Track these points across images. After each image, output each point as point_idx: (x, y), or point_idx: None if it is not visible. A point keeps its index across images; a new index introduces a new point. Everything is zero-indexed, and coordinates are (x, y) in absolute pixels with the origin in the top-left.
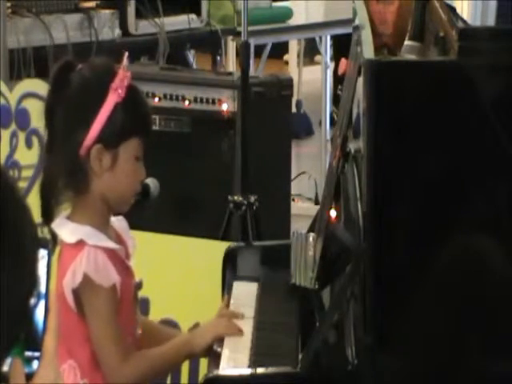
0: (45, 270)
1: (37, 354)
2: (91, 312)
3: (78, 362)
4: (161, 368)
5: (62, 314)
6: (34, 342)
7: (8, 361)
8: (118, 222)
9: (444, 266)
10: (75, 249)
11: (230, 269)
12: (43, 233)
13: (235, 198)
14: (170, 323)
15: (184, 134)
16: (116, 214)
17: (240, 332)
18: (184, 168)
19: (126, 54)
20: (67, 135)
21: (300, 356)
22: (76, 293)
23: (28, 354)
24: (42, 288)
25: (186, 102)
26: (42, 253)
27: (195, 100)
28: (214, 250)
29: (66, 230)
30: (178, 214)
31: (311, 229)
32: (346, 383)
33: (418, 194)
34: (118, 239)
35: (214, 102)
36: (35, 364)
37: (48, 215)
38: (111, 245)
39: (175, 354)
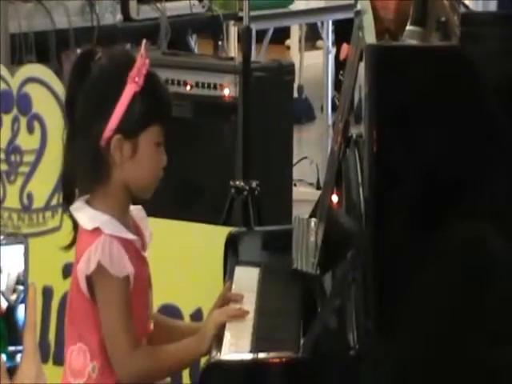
0: (23, 266)
1: (20, 348)
2: (103, 301)
3: (88, 345)
4: (167, 366)
5: (74, 297)
6: (16, 336)
7: None
8: (137, 212)
9: (446, 251)
10: (92, 235)
11: (232, 254)
12: (20, 229)
13: (237, 183)
14: (172, 309)
15: (185, 119)
16: (138, 202)
17: (244, 312)
18: (185, 153)
19: (144, 41)
20: (87, 126)
21: (302, 341)
22: (89, 279)
23: (11, 348)
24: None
25: (188, 87)
26: (19, 249)
27: (197, 85)
28: (215, 235)
29: (84, 215)
30: (180, 199)
31: (313, 214)
32: (348, 369)
33: (419, 179)
34: (136, 229)
35: (215, 87)
36: (19, 358)
37: (69, 202)
38: (128, 235)
39: (183, 354)
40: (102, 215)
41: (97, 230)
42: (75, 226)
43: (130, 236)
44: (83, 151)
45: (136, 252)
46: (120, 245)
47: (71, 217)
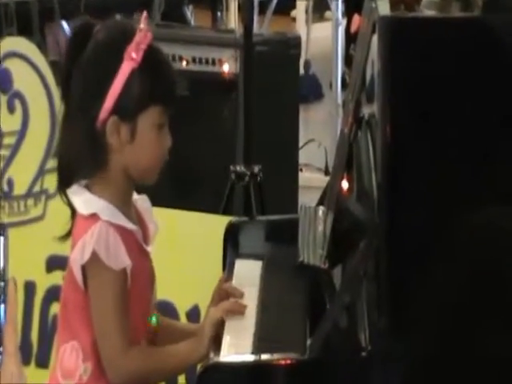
0: (2, 259)
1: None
2: (95, 294)
3: (81, 343)
4: (162, 369)
5: (68, 290)
6: None
7: None
8: (142, 201)
9: (466, 241)
10: (87, 221)
11: (232, 246)
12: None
13: (237, 168)
14: (166, 306)
15: (182, 97)
16: (141, 188)
17: (242, 307)
18: (181, 135)
19: (145, 13)
20: (82, 107)
21: (308, 342)
22: (84, 270)
23: None
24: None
25: (184, 63)
26: None
27: (193, 60)
28: (213, 225)
29: (81, 199)
30: (175, 186)
31: (321, 202)
32: (359, 371)
33: (437, 163)
34: (139, 220)
35: (213, 63)
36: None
37: (65, 185)
38: (127, 224)
39: (180, 357)
40: (100, 200)
41: (93, 216)
42: (73, 213)
43: (130, 225)
44: (79, 134)
45: (136, 244)
46: (118, 234)
47: (69, 203)
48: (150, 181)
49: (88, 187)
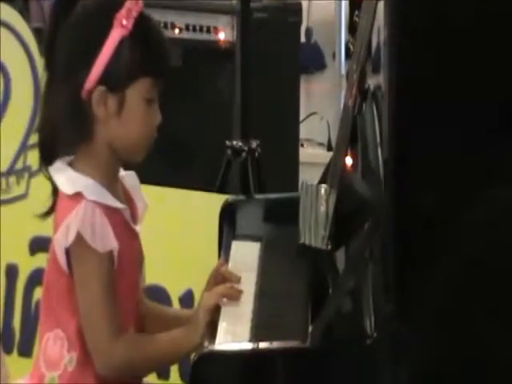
0: None
1: None
2: (80, 279)
3: (66, 332)
4: (153, 358)
5: (51, 274)
6: None
7: None
8: (129, 178)
9: (479, 223)
10: (72, 201)
11: (228, 226)
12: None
13: (234, 143)
14: (158, 291)
15: (174, 68)
16: (128, 166)
17: (238, 291)
18: (173, 108)
19: None
20: (67, 76)
21: (310, 328)
22: (69, 253)
23: None
24: None
25: (176, 31)
26: None
27: (186, 28)
28: (208, 204)
29: (64, 177)
30: (166, 163)
31: (323, 179)
32: (364, 360)
33: (450, 137)
34: (127, 198)
35: (208, 31)
36: None
37: (48, 161)
38: (114, 203)
39: (173, 345)
40: (85, 178)
41: (78, 196)
42: (55, 190)
43: (117, 204)
44: (62, 104)
45: (124, 224)
46: (104, 214)
47: (50, 179)
48: (136, 159)
49: (72, 165)
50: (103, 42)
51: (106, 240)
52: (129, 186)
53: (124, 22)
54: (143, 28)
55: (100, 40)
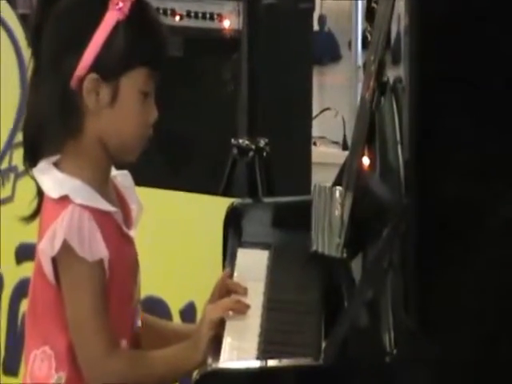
0: None
1: None
2: (69, 290)
3: (54, 349)
4: (151, 376)
5: (38, 287)
6: None
7: None
8: (122, 178)
9: (508, 226)
10: (58, 206)
11: (234, 232)
12: None
13: (240, 141)
14: (156, 303)
15: (174, 59)
16: (122, 166)
17: (245, 306)
18: (175, 103)
19: None
20: (55, 62)
21: (323, 344)
22: (55, 262)
23: None
24: None
25: (177, 18)
26: None
27: (188, 15)
28: (212, 209)
29: (50, 179)
30: (166, 163)
31: (338, 181)
32: (383, 379)
33: (475, 135)
34: (119, 200)
35: (212, 18)
36: None
37: (32, 161)
38: (104, 206)
39: (172, 362)
40: (72, 179)
41: (65, 199)
42: (39, 192)
43: (108, 207)
44: (49, 94)
45: (116, 228)
46: (93, 219)
47: (35, 182)
48: (129, 158)
49: (57, 165)
50: (96, 25)
51: (96, 248)
52: (122, 187)
53: (120, 4)
54: (140, 12)
55: (93, 24)
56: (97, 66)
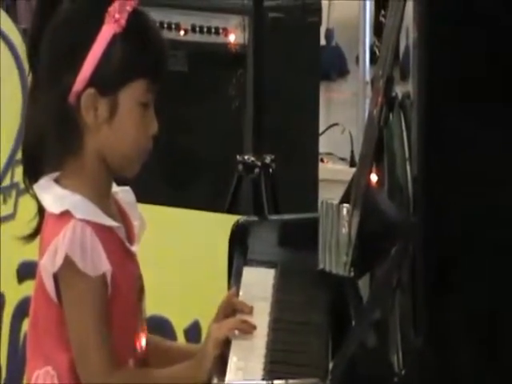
0: None
1: None
2: (70, 307)
3: (56, 368)
4: None
5: (40, 305)
6: None
7: None
8: (124, 194)
9: None
10: (59, 221)
11: (239, 250)
12: None
13: (246, 157)
14: (160, 322)
15: (179, 73)
16: (123, 182)
17: (251, 327)
18: (179, 119)
19: None
20: (53, 77)
21: (330, 365)
22: (56, 279)
23: None
24: None
25: (181, 33)
26: None
27: (193, 29)
28: (217, 226)
29: (51, 195)
30: (170, 179)
31: (345, 198)
32: None
33: (487, 151)
34: (121, 215)
35: (217, 32)
36: None
37: (32, 178)
38: (106, 221)
39: (176, 382)
40: (73, 195)
41: (66, 215)
42: (40, 209)
43: (110, 222)
44: (48, 111)
45: (118, 244)
46: (95, 234)
47: (36, 197)
48: (129, 172)
49: (58, 181)
50: (93, 39)
51: (98, 262)
52: (123, 203)
53: (116, 15)
54: (137, 24)
55: (90, 37)
56: (94, 81)
